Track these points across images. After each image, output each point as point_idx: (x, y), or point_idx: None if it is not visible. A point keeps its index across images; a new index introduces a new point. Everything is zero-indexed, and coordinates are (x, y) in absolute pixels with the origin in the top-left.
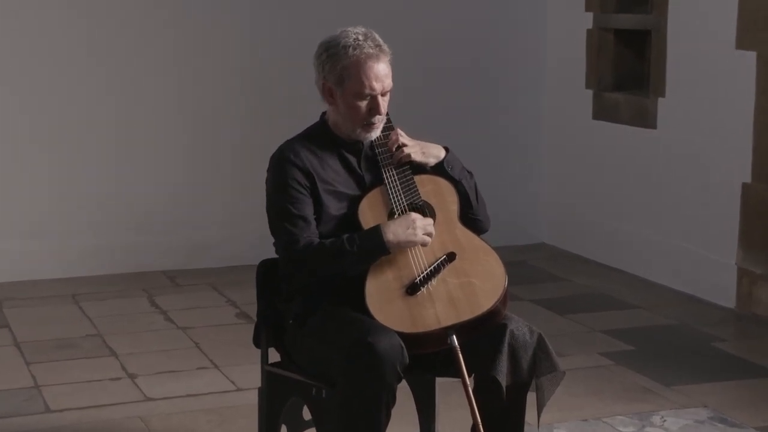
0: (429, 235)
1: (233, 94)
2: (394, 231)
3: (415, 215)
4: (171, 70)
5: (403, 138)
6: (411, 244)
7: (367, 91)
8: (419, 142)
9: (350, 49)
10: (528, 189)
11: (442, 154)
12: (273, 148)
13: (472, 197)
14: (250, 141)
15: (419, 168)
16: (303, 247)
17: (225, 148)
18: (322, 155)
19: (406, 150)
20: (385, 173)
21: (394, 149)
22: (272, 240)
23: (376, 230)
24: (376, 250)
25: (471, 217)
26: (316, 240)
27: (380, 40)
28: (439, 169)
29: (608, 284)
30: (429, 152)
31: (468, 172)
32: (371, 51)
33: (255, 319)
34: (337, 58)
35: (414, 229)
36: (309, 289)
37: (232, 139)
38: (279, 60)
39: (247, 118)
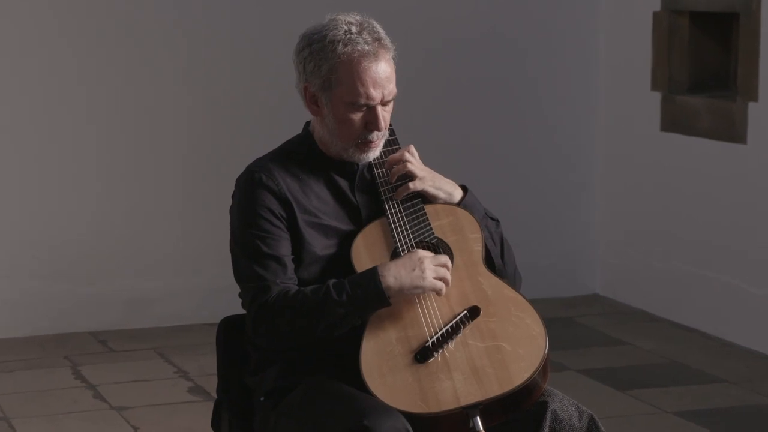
0: (442, 279)
1: (180, 100)
2: (396, 274)
3: (423, 252)
4: (93, 73)
5: (412, 166)
6: (418, 290)
7: (363, 100)
8: (431, 171)
9: (340, 44)
10: (577, 223)
11: (458, 195)
12: (238, 170)
13: (496, 254)
14: (207, 161)
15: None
16: (276, 298)
17: (172, 171)
18: (304, 178)
19: (412, 186)
20: (387, 203)
21: (393, 180)
22: (237, 290)
23: (373, 273)
24: (373, 299)
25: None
26: (294, 288)
27: (380, 31)
28: None
29: (683, 350)
30: (440, 187)
31: (492, 219)
32: (368, 47)
33: (214, 395)
34: (323, 56)
35: (422, 270)
36: (286, 354)
37: (182, 159)
38: (243, 53)
39: (200, 132)
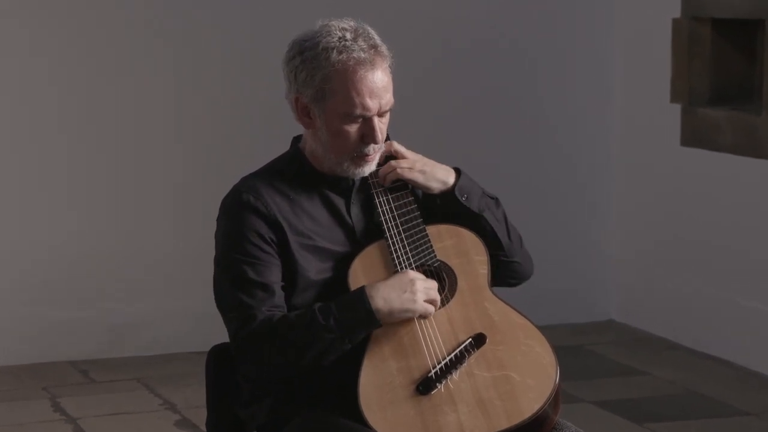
0: (432, 302)
1: (169, 115)
2: (386, 295)
3: (413, 273)
4: (74, 86)
5: (398, 146)
6: (408, 314)
7: (359, 111)
8: (422, 158)
9: (334, 52)
10: (591, 244)
11: (451, 179)
12: (225, 189)
13: (502, 233)
14: (197, 177)
15: (433, 217)
16: (259, 326)
17: (157, 188)
18: (295, 197)
19: (398, 167)
20: (387, 224)
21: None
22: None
23: (360, 295)
24: (363, 322)
25: (504, 260)
26: (278, 314)
27: (376, 37)
28: (448, 200)
29: (705, 380)
30: (432, 174)
31: (491, 197)
32: (363, 55)
33: (203, 429)
34: (316, 65)
35: (413, 293)
36: (281, 386)
37: (171, 175)
38: (230, 62)
39: (190, 147)
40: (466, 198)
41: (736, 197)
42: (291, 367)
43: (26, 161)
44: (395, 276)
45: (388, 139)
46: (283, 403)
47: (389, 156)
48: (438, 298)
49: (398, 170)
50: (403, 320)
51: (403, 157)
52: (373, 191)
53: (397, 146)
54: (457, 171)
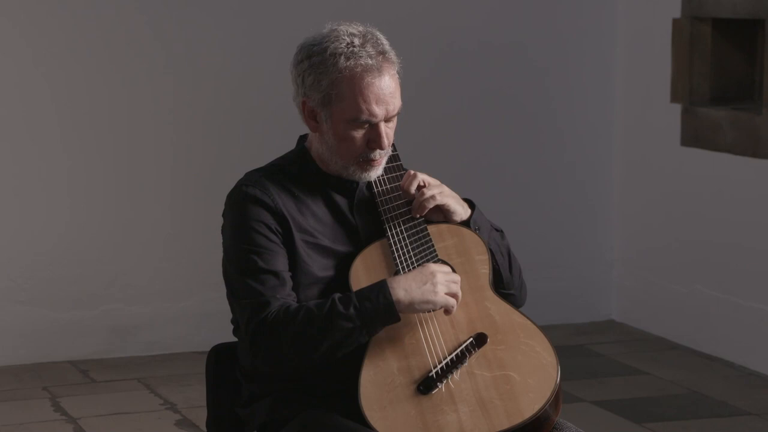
0: (454, 296)
1: (168, 113)
2: (407, 287)
3: (434, 266)
4: (74, 86)
5: (426, 177)
6: (429, 305)
7: (365, 116)
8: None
9: (341, 57)
10: (592, 244)
11: (468, 210)
12: (230, 188)
13: (504, 267)
14: (196, 178)
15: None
16: (276, 313)
17: (158, 187)
18: (299, 195)
19: (428, 193)
20: (388, 223)
21: (412, 191)
22: (228, 316)
23: (382, 286)
24: (382, 313)
25: (501, 292)
26: (295, 303)
27: (385, 43)
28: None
29: (705, 380)
30: (457, 200)
31: (497, 230)
32: (371, 61)
33: (203, 429)
34: (323, 70)
35: (434, 285)
36: (281, 386)
37: (169, 176)
38: (230, 63)
39: (189, 148)
40: (478, 230)
41: (736, 197)
42: (306, 357)
43: (26, 161)
44: (417, 269)
45: (394, 149)
46: (283, 403)
47: (391, 156)
48: (460, 292)
49: (437, 196)
50: (421, 314)
51: (429, 184)
52: (376, 190)
53: (421, 175)
54: (470, 203)
